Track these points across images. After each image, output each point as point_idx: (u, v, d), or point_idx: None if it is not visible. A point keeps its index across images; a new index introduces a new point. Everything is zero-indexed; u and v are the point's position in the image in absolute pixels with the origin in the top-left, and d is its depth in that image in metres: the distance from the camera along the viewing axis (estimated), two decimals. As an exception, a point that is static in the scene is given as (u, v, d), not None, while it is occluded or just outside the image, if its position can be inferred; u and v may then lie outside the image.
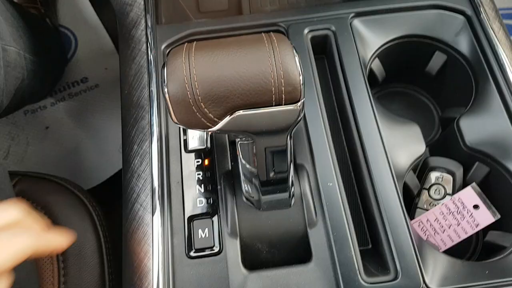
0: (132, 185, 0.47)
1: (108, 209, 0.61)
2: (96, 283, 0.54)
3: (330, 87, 0.55)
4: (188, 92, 0.32)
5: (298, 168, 0.47)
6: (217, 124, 0.34)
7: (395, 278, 0.42)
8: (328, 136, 0.49)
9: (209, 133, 0.50)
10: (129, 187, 0.47)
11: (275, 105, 0.34)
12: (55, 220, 0.54)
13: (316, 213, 0.45)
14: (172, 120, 0.35)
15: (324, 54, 0.56)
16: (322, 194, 0.45)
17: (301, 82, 0.33)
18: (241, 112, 0.34)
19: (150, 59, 0.53)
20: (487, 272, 0.42)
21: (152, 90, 0.51)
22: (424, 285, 0.41)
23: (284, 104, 0.34)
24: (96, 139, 1.02)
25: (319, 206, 0.45)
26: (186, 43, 0.36)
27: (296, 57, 0.34)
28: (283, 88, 0.33)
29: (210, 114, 0.34)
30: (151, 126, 0.49)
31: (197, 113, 0.33)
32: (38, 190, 0.57)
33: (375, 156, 0.47)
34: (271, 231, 0.45)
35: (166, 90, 0.33)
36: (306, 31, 0.54)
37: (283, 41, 0.35)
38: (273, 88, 0.33)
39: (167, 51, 0.54)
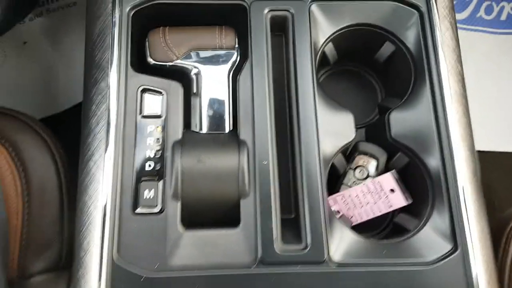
0: (88, 143, 0.52)
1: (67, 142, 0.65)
2: (55, 216, 0.61)
3: (284, 66, 0.59)
4: (161, 37, 0.56)
5: (240, 144, 0.53)
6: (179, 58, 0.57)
7: (305, 248, 0.50)
8: (271, 115, 0.54)
9: (165, 98, 0.55)
10: (86, 144, 0.52)
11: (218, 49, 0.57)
12: (21, 158, 0.60)
13: (250, 186, 0.51)
14: (149, 60, 0.57)
15: (283, 32, 0.59)
16: (257, 171, 0.52)
17: (236, 37, 0.57)
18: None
19: (115, 21, 0.55)
20: (384, 251, 0.51)
21: (114, 53, 0.54)
22: (328, 256, 0.49)
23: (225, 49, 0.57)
24: (67, 61, 1.04)
25: (253, 180, 0.51)
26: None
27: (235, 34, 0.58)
28: (223, 40, 0.57)
29: (174, 50, 0.56)
30: (109, 89, 0.53)
31: (165, 47, 0.56)
32: (6, 127, 0.61)
33: (307, 138, 0.53)
34: (209, 197, 0.51)
35: (147, 39, 0.57)
36: (266, 10, 0.57)
37: (228, 27, 0.58)
38: (217, 40, 0.57)
39: (132, 13, 0.56)
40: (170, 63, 0.57)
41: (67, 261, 0.57)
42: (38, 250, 0.56)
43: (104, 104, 0.53)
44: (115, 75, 0.53)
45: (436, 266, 0.50)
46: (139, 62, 0.57)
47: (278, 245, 0.50)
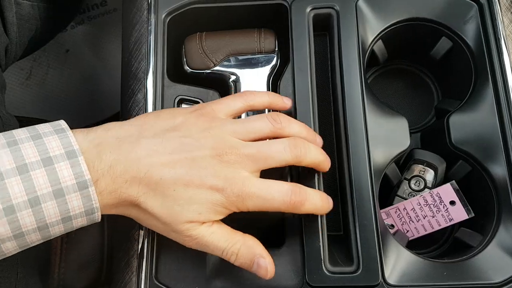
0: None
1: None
2: (95, 234, 0.59)
3: (328, 66, 0.55)
4: (198, 44, 0.54)
5: None
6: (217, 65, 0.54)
7: (356, 270, 0.45)
8: (315, 123, 0.50)
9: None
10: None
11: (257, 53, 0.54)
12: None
13: None
14: (186, 68, 0.55)
15: (327, 31, 0.55)
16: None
17: (276, 40, 0.55)
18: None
19: (150, 29, 0.53)
20: (445, 273, 0.45)
21: (150, 63, 0.52)
22: (382, 280, 0.45)
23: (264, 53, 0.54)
24: (109, 69, 1.04)
25: None
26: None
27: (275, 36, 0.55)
28: (262, 43, 0.54)
29: (212, 57, 0.54)
30: (146, 101, 0.51)
31: (201, 54, 0.54)
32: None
33: (356, 146, 0.48)
34: (251, 214, 0.48)
35: (183, 47, 0.55)
36: (308, 9, 0.52)
37: (268, 29, 0.56)
38: (256, 43, 0.54)
39: (168, 19, 0.54)
40: (208, 71, 0.54)
41: (107, 277, 0.56)
42: (78, 268, 0.55)
43: (141, 116, 0.50)
44: (151, 86, 0.51)
45: (505, 289, 0.44)
46: (174, 71, 0.55)
47: (327, 266, 0.46)
